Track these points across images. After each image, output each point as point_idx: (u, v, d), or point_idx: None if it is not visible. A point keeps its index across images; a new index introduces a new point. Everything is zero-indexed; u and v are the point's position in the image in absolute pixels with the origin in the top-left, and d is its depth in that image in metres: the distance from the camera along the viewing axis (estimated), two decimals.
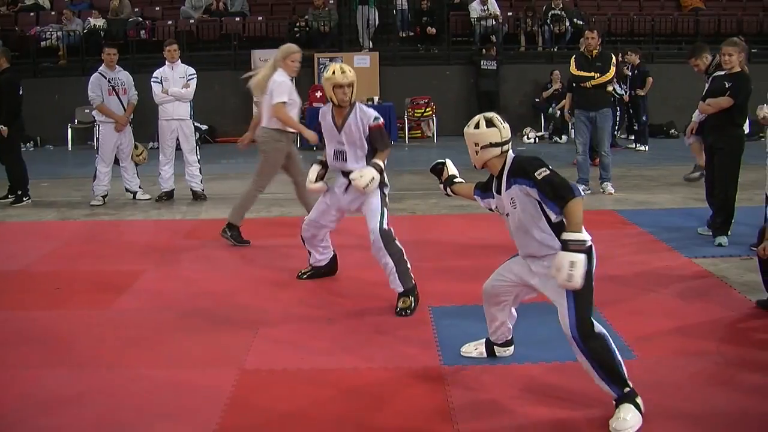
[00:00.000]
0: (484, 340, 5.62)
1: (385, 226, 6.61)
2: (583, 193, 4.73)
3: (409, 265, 6.62)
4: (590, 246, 4.67)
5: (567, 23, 19.25)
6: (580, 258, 4.46)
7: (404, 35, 20.12)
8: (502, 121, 4.97)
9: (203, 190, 11.74)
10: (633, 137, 16.82)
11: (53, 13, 20.78)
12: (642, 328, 6.12)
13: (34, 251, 8.78)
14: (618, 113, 15.91)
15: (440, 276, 7.43)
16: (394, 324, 6.32)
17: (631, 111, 16.59)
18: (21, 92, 11.48)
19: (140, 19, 20.06)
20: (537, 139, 18.21)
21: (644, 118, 16.61)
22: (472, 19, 19.53)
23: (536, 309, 5.55)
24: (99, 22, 19.63)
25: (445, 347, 5.79)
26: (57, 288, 7.42)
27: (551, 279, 4.65)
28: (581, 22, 18.98)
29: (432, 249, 8.42)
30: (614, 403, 4.62)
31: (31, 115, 11.87)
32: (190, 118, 11.61)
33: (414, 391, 5.14)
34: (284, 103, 8.69)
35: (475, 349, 5.63)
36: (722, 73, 8.38)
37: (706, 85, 8.65)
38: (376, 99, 18.09)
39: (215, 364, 5.58)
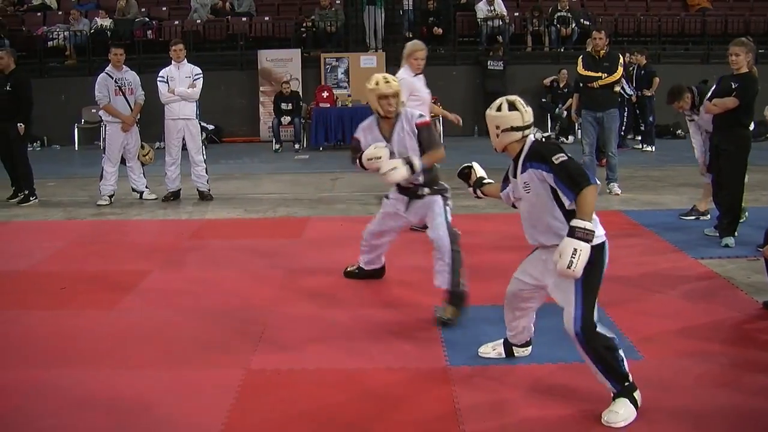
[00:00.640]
0: (502, 340, 5.59)
1: (450, 220, 6.52)
2: (597, 182, 4.70)
3: (465, 272, 6.40)
4: (603, 243, 4.69)
5: (573, 24, 19.23)
6: (585, 247, 4.43)
7: (409, 35, 20.11)
8: (524, 105, 4.95)
9: (209, 190, 11.74)
10: (640, 138, 16.80)
11: (60, 13, 20.84)
12: (648, 329, 6.11)
13: (40, 251, 8.79)
14: (626, 114, 15.90)
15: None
16: (401, 324, 6.31)
17: (638, 111, 16.57)
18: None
19: (147, 19, 20.09)
20: (544, 139, 18.17)
21: (651, 119, 16.59)
22: (479, 20, 19.52)
23: (542, 309, 5.53)
24: (106, 22, 19.67)
25: (451, 348, 5.78)
26: (63, 288, 7.42)
27: (562, 279, 4.64)
28: (588, 23, 18.96)
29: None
30: (611, 396, 4.67)
31: (38, 115, 11.89)
32: (197, 117, 11.61)
33: (420, 392, 5.13)
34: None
35: (493, 349, 5.59)
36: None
37: (714, 86, 8.64)
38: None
39: (221, 365, 5.58)
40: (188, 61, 11.67)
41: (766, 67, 9.25)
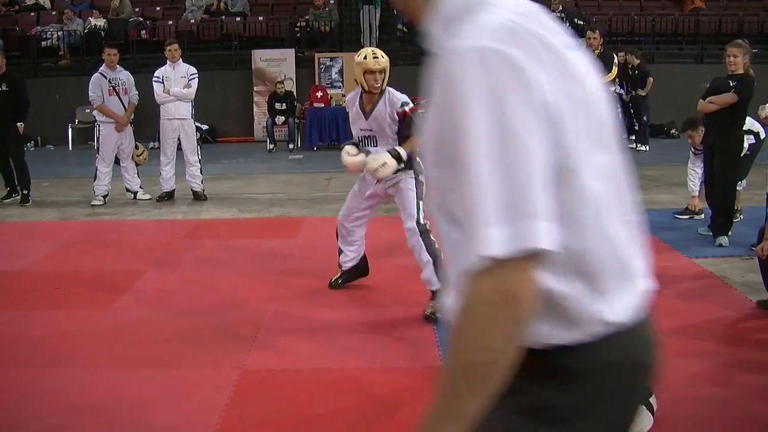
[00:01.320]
0: None
1: (422, 220, 6.36)
2: None
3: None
4: None
5: (567, 23, 19.23)
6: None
7: (404, 30, 20.12)
8: None
9: (204, 190, 11.74)
10: (634, 137, 16.81)
11: (54, 12, 20.80)
12: None
13: (34, 251, 8.78)
14: (619, 113, 15.90)
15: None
16: (395, 324, 6.31)
17: (632, 111, 16.58)
18: None
19: (141, 19, 20.09)
20: None
21: (645, 118, 16.61)
22: None
23: None
24: (100, 22, 19.64)
25: (445, 347, 5.77)
26: (57, 288, 7.42)
27: None
28: (582, 23, 18.95)
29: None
30: None
31: (32, 115, 11.86)
32: (192, 117, 11.61)
33: (415, 392, 5.12)
34: None
35: None
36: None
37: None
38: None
39: (216, 365, 5.57)
40: (182, 61, 11.66)
41: (760, 67, 9.26)
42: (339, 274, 7.23)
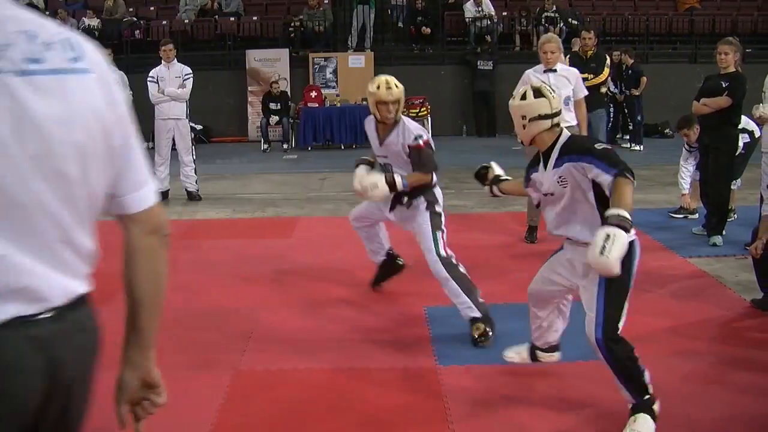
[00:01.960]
0: (528, 344, 5.22)
1: (442, 251, 5.99)
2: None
3: (478, 290, 5.97)
4: (633, 242, 4.37)
5: (561, 23, 19.26)
6: (619, 232, 4.04)
7: (399, 24, 20.16)
8: (551, 91, 4.66)
9: (198, 190, 11.73)
10: (628, 137, 16.83)
11: (47, 13, 20.71)
12: (637, 328, 6.10)
13: None
14: (612, 113, 15.94)
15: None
16: (390, 325, 6.32)
17: (626, 111, 16.60)
18: None
19: (135, 19, 20.05)
20: None
21: (639, 118, 16.64)
22: (467, 19, 19.54)
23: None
24: (93, 22, 19.61)
25: (440, 347, 5.78)
26: None
27: (589, 281, 4.44)
28: (576, 22, 18.99)
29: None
30: (629, 408, 4.44)
31: None
32: (186, 117, 11.60)
33: (410, 392, 5.14)
34: None
35: (517, 354, 5.24)
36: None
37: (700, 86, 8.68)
38: None
39: (210, 365, 5.57)
40: (177, 61, 11.66)
41: (754, 67, 9.29)
42: (377, 274, 7.18)
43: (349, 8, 19.92)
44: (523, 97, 4.59)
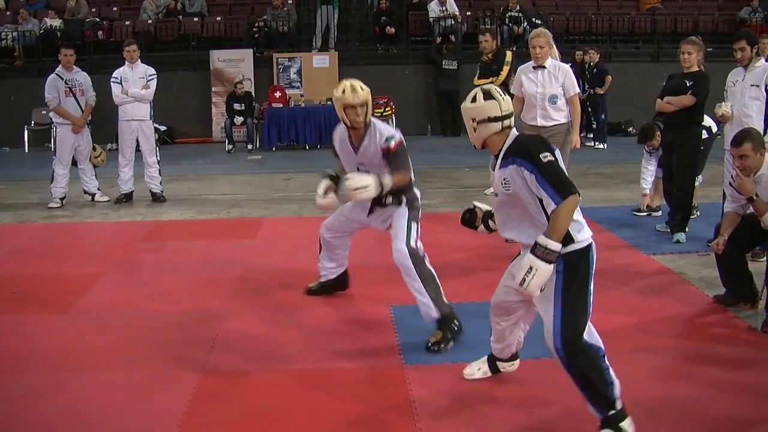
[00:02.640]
0: (486, 357, 5.21)
1: (412, 243, 5.98)
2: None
3: (441, 289, 5.96)
4: (589, 246, 4.42)
5: (525, 23, 19.33)
6: (542, 267, 4.11)
7: (364, 27, 20.18)
8: (501, 93, 4.52)
9: (163, 191, 11.67)
10: (591, 135, 16.93)
11: (8, 13, 20.56)
12: (602, 325, 6.11)
13: None
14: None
15: (401, 276, 7.40)
16: (356, 324, 6.32)
17: (589, 109, 16.69)
18: None
19: (97, 19, 19.87)
20: None
21: (603, 117, 16.76)
22: (431, 19, 19.56)
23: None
24: (55, 22, 19.45)
25: (406, 346, 5.79)
26: (14, 292, 7.33)
27: (547, 288, 4.31)
28: (540, 22, 19.06)
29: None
30: (598, 425, 4.36)
31: None
32: (150, 118, 11.54)
33: (376, 391, 5.14)
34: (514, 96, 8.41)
35: (478, 369, 5.21)
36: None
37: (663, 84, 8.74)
38: None
39: (176, 367, 5.54)
40: (140, 62, 11.59)
41: (715, 66, 9.37)
42: (317, 284, 7.02)
43: (313, 8, 19.89)
44: (473, 99, 4.52)
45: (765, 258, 6.76)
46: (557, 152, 4.37)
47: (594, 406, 4.34)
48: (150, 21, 19.77)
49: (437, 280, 5.98)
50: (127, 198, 11.58)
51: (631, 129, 18.10)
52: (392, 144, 6.00)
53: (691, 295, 6.92)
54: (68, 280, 7.65)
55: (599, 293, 6.95)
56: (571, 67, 8.88)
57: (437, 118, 19.25)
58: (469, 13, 20.20)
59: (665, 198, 9.19)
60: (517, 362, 5.21)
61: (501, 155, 4.45)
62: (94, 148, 11.58)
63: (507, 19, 19.42)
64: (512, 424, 4.66)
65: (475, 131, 4.52)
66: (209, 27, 19.89)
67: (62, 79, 11.23)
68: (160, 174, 11.61)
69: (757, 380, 5.21)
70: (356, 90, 5.96)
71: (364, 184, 5.81)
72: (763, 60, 8.27)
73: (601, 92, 16.51)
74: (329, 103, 17.58)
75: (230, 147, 17.41)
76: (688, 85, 8.30)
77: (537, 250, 4.14)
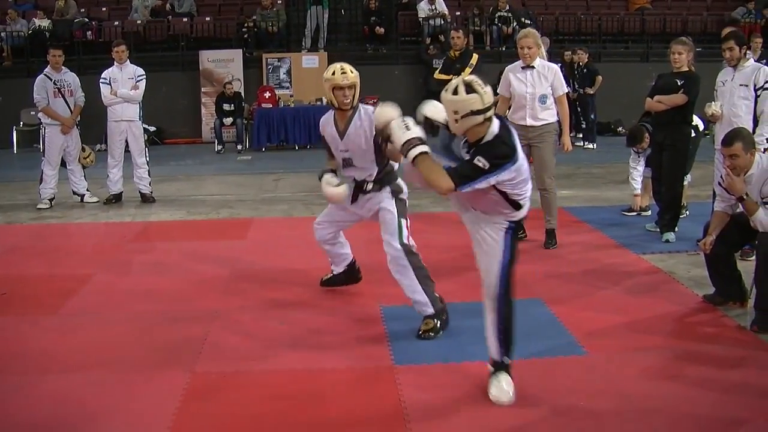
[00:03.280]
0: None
1: (405, 239, 6.06)
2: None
3: (434, 283, 6.11)
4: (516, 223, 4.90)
5: (514, 23, 19.35)
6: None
7: (353, 28, 20.16)
8: (482, 85, 4.57)
9: (152, 192, 11.65)
10: (581, 135, 16.93)
11: None
12: (592, 324, 6.18)
13: None
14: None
15: (391, 275, 7.39)
16: (346, 325, 6.31)
17: (579, 109, 16.69)
18: None
19: (86, 19, 19.80)
20: None
21: (593, 117, 16.76)
22: (420, 19, 19.55)
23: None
24: (44, 22, 19.37)
25: (396, 346, 5.78)
26: (3, 293, 7.30)
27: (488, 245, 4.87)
28: (529, 22, 19.08)
29: (381, 248, 8.42)
30: (491, 368, 4.96)
31: None
32: (139, 119, 11.52)
33: (366, 391, 5.14)
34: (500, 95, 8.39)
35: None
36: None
37: (653, 83, 8.76)
38: (325, 99, 18.00)
39: (166, 368, 5.53)
40: (129, 62, 11.57)
41: (704, 66, 9.39)
42: (330, 275, 7.14)
43: (303, 9, 19.87)
44: (455, 92, 4.57)
45: (754, 257, 6.77)
46: (517, 162, 4.64)
47: (501, 346, 4.93)
48: (139, 22, 19.71)
49: (428, 273, 6.08)
50: (116, 199, 11.55)
51: (620, 129, 18.12)
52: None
53: (680, 295, 6.93)
54: (57, 281, 7.63)
55: (589, 293, 7.01)
56: (560, 67, 8.89)
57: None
58: (458, 13, 20.20)
59: (654, 198, 9.20)
60: None
61: (475, 146, 4.65)
62: (83, 149, 11.56)
63: (496, 19, 19.43)
64: (504, 423, 4.66)
65: (456, 122, 4.61)
66: (198, 27, 19.85)
67: (51, 79, 11.20)
68: (149, 175, 11.59)
69: (746, 379, 5.22)
70: (346, 72, 6.08)
71: (388, 116, 5.44)
72: (752, 60, 8.31)
73: (591, 92, 16.51)
74: (319, 103, 17.61)
75: (220, 147, 17.38)
76: (679, 84, 8.31)
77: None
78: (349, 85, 6.08)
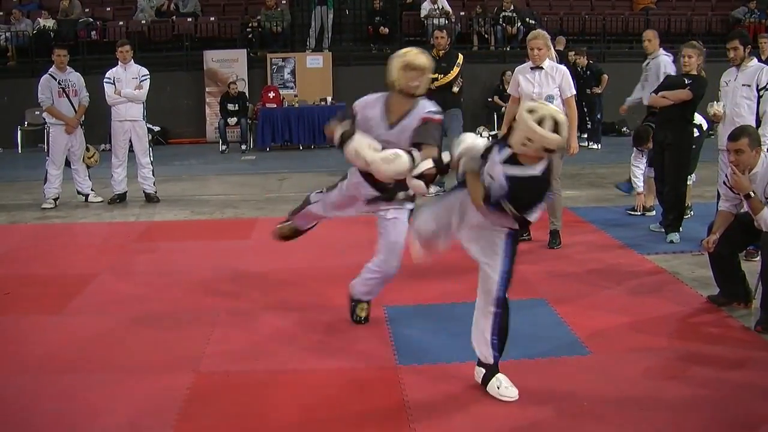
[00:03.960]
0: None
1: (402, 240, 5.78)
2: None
3: None
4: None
5: (519, 23, 19.35)
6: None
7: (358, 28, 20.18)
8: (565, 129, 4.50)
9: (156, 192, 11.65)
10: (586, 135, 16.91)
11: (1, 13, 20.50)
12: (596, 325, 6.17)
13: None
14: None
15: (395, 277, 7.37)
16: (350, 325, 6.30)
17: (585, 109, 16.67)
18: None
19: (91, 19, 19.84)
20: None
21: (598, 117, 16.76)
22: (423, 18, 19.51)
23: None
24: (49, 22, 19.41)
25: (400, 347, 5.78)
26: (7, 293, 7.31)
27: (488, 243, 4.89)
28: (533, 22, 19.08)
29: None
30: (484, 368, 5.01)
31: None
32: (143, 119, 11.53)
33: (370, 392, 5.13)
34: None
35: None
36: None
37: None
38: (329, 99, 18.07)
39: (170, 368, 5.52)
40: (134, 62, 11.57)
41: (708, 66, 9.36)
42: (366, 308, 6.34)
43: (307, 9, 19.88)
44: (540, 123, 4.43)
45: (758, 257, 6.76)
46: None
47: (493, 351, 4.96)
48: (143, 22, 19.72)
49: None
50: (120, 198, 11.56)
51: (624, 129, 18.11)
52: (436, 116, 5.55)
53: (684, 295, 6.92)
54: (61, 281, 7.63)
55: (593, 293, 7.00)
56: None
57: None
58: (462, 13, 20.20)
59: (658, 198, 9.20)
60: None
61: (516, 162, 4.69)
62: (87, 149, 11.56)
63: (501, 19, 19.42)
64: (507, 423, 4.66)
65: (523, 145, 4.50)
66: (203, 27, 19.87)
67: (55, 79, 11.21)
68: (153, 174, 11.60)
69: (751, 380, 5.21)
70: (422, 54, 5.51)
71: (392, 153, 5.30)
72: (755, 60, 8.31)
73: (599, 91, 16.53)
74: (323, 103, 17.63)
75: (224, 147, 17.39)
76: (686, 82, 8.33)
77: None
78: (422, 66, 5.46)
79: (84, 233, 10.02)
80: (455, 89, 11.14)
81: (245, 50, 19.19)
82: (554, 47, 8.64)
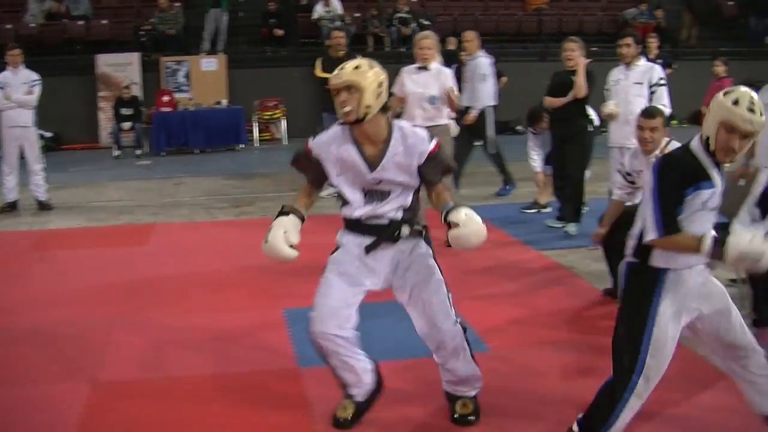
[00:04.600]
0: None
1: (454, 315, 4.50)
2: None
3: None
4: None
5: (414, 24, 19.47)
6: None
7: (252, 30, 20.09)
8: None
9: (49, 199, 11.42)
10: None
11: None
12: (494, 320, 6.25)
13: None
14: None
15: (294, 278, 7.31)
16: (249, 329, 6.27)
17: None
18: None
19: None
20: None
21: None
22: (314, 20, 19.49)
23: (388, 308, 5.54)
24: None
25: (300, 349, 5.76)
26: None
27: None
28: (428, 22, 19.21)
29: None
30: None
31: None
32: (35, 125, 11.27)
33: (271, 396, 5.12)
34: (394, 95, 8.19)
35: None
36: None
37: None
38: (224, 102, 17.99)
39: (66, 380, 5.42)
40: (24, 67, 11.31)
41: (598, 65, 9.56)
42: (349, 407, 4.67)
43: (202, 11, 19.70)
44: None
45: None
46: None
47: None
48: (33, 25, 19.28)
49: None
50: (11, 207, 11.29)
51: (519, 127, 18.36)
52: (433, 145, 4.41)
53: (581, 289, 7.07)
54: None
55: (491, 289, 7.09)
56: (457, 68, 8.98)
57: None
58: (357, 14, 20.24)
59: (555, 194, 9.37)
60: None
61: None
62: None
63: (396, 20, 19.52)
64: (411, 424, 4.68)
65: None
66: (95, 31, 19.51)
67: None
68: (45, 181, 11.36)
69: None
70: (345, 68, 4.24)
71: (477, 232, 4.42)
72: (644, 60, 8.55)
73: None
74: (218, 106, 17.53)
75: (118, 152, 17.12)
76: (573, 80, 8.53)
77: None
78: (343, 85, 4.18)
79: None
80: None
81: (138, 54, 18.91)
82: (447, 47, 8.76)
